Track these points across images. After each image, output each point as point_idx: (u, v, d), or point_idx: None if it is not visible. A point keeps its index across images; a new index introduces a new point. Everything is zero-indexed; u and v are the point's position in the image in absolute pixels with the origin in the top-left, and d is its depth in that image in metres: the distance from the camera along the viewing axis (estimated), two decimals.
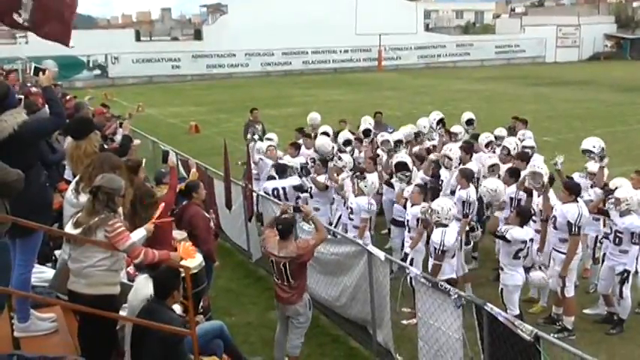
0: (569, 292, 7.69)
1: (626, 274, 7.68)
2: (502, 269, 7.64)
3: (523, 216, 7.57)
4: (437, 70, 47.10)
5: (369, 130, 12.38)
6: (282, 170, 9.88)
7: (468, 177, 8.92)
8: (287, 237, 6.49)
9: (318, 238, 6.69)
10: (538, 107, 26.73)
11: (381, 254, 6.91)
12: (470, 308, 5.77)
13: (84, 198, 5.22)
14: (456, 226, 7.66)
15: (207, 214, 7.38)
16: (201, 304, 6.23)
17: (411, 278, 7.07)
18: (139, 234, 5.18)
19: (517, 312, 7.38)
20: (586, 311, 8.20)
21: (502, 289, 7.60)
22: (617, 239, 7.73)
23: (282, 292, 6.59)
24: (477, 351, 5.90)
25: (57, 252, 6.77)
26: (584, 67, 47.77)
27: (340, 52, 47.80)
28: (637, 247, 7.69)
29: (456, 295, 5.79)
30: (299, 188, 9.79)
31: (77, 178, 5.57)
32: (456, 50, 51.94)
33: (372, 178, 9.14)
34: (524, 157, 9.75)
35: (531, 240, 7.63)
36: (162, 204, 5.81)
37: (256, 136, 12.27)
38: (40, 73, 5.41)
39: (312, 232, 7.13)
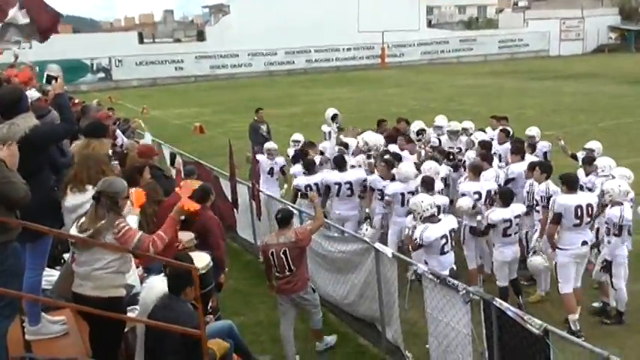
0: (563, 289, 7.55)
1: (605, 263, 7.64)
2: (494, 246, 8.05)
3: (504, 198, 7.98)
4: (440, 66, 46.98)
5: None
6: (310, 166, 9.82)
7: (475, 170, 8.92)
8: (285, 225, 6.76)
9: (315, 224, 7.05)
10: (543, 101, 26.67)
11: (388, 251, 6.94)
12: (478, 303, 5.77)
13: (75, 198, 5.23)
14: (448, 223, 7.62)
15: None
16: (210, 304, 6.25)
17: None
18: (131, 221, 5.04)
19: (504, 284, 7.96)
20: (595, 304, 8.16)
21: (493, 262, 8.19)
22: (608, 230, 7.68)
23: (286, 283, 6.78)
24: (486, 346, 5.90)
25: (66, 255, 6.81)
26: (588, 60, 47.53)
27: (343, 50, 47.82)
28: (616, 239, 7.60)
29: (464, 291, 5.81)
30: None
31: (65, 180, 5.46)
32: (459, 46, 51.82)
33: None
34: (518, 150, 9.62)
35: (518, 216, 7.92)
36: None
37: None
38: (53, 81, 5.47)
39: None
